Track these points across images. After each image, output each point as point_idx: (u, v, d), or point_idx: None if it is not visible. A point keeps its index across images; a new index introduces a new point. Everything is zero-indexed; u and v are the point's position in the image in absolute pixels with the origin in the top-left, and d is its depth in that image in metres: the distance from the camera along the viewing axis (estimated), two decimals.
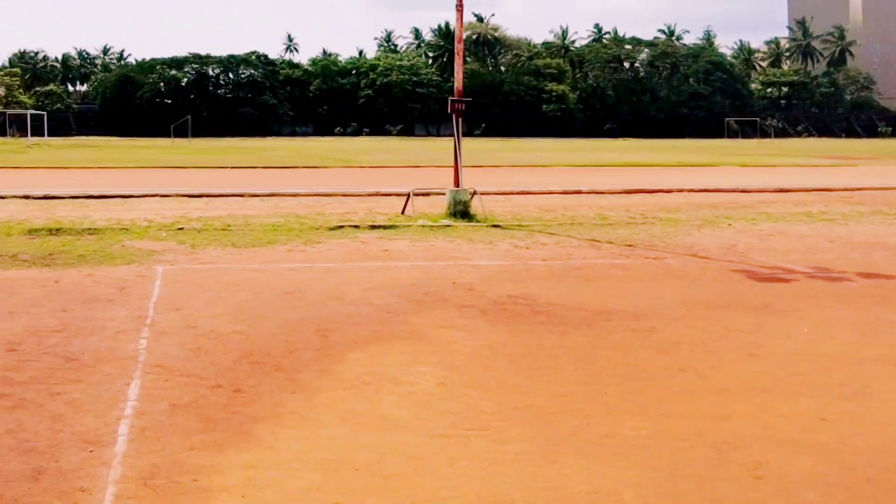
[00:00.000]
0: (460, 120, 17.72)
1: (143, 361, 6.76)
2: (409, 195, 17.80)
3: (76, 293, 9.45)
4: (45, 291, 9.56)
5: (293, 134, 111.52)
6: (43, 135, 77.25)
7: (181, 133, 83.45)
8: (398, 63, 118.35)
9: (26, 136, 73.93)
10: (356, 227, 15.37)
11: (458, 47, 18.15)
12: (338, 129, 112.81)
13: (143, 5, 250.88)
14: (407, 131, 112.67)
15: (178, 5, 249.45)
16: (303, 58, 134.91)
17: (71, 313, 8.45)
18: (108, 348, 7.18)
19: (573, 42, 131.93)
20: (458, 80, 17.90)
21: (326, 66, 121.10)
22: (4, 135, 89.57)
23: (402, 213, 17.42)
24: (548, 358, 7.02)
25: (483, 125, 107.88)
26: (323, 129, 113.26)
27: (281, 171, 34.51)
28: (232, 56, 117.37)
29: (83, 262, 11.47)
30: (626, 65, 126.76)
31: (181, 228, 14.86)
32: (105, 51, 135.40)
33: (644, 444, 5.13)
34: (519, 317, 8.48)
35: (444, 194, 17.63)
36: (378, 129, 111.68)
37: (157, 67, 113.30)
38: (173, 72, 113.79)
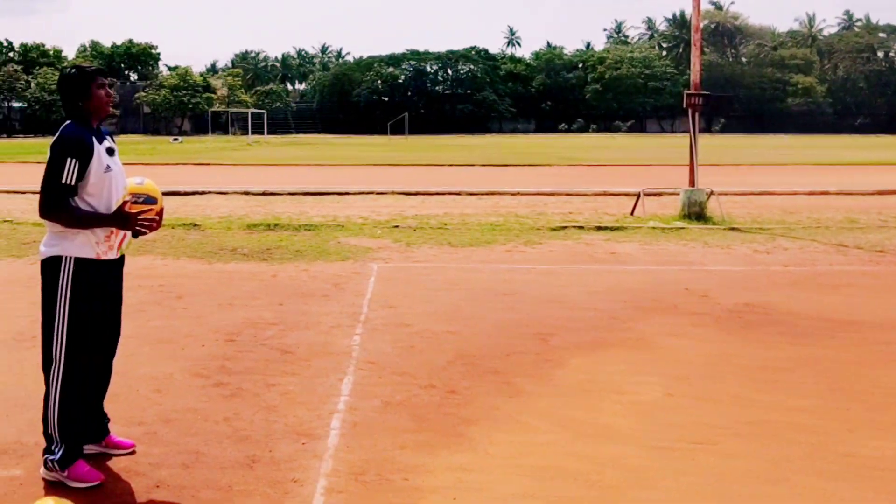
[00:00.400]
0: (696, 115, 17.35)
1: (357, 357, 7.07)
2: (639, 195, 17.58)
3: (292, 287, 10.02)
4: (263, 285, 10.20)
5: (514, 131, 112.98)
6: (262, 133, 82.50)
7: (398, 130, 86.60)
8: (629, 55, 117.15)
9: (247, 134, 79.22)
10: (580, 227, 15.36)
11: (695, 37, 17.77)
12: (562, 125, 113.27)
13: (362, 4, 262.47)
14: (638, 128, 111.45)
15: (396, 2, 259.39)
16: (525, 52, 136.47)
17: (287, 307, 8.97)
18: (322, 343, 7.55)
19: (821, 30, 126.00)
20: (694, 73, 17.54)
21: (550, 60, 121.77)
22: (227, 133, 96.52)
23: (632, 213, 17.23)
24: (785, 371, 6.77)
25: (722, 121, 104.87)
26: (546, 126, 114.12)
27: (500, 168, 35.02)
28: (451, 51, 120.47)
29: (299, 257, 12.14)
30: (880, 55, 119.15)
31: (396, 226, 15.41)
32: (324, 49, 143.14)
33: (888, 466, 4.88)
34: (755, 326, 8.20)
35: (677, 194, 17.32)
36: (606, 126, 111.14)
37: (375, 65, 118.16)
38: (391, 69, 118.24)
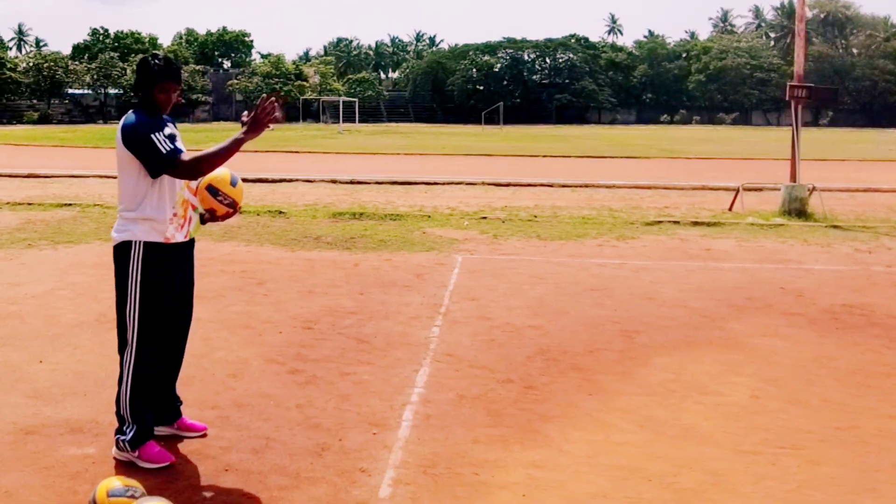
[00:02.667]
0: (800, 108, 16.95)
1: (434, 349, 7.10)
2: (737, 190, 17.26)
3: (374, 277, 10.12)
4: (345, 274, 10.32)
5: (614, 122, 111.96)
6: (354, 121, 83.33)
7: (493, 120, 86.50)
8: (734, 45, 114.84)
9: (338, 122, 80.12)
10: (676, 222, 15.16)
11: (800, 27, 17.37)
12: (664, 117, 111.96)
13: None
14: (743, 120, 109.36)
15: None
16: (627, 40, 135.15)
17: (367, 296, 9.06)
18: (400, 333, 7.61)
19: None
20: (798, 64, 17.15)
21: (653, 49, 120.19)
22: (318, 121, 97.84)
23: (730, 209, 16.93)
24: (881, 376, 6.58)
25: (830, 114, 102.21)
26: (647, 117, 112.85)
27: (597, 160, 34.75)
28: (549, 40, 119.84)
29: (383, 246, 12.25)
30: None
31: (484, 217, 15.42)
32: (418, 37, 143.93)
33: None
34: (852, 328, 8.00)
35: (778, 190, 16.94)
36: (709, 118, 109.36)
37: (470, 53, 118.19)
38: (486, 57, 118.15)
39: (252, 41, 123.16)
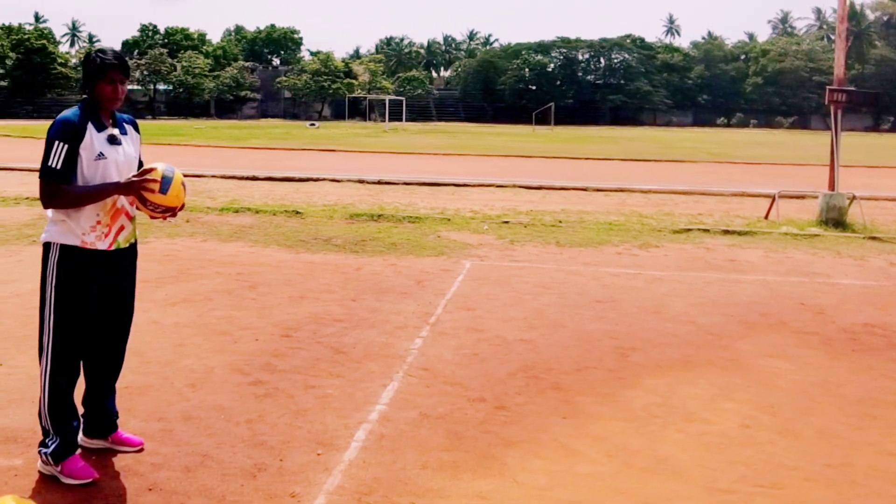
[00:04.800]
0: (839, 113, 16.45)
1: (410, 363, 6.81)
2: (774, 197, 16.73)
3: (372, 283, 9.85)
4: (343, 278, 10.06)
5: (669, 124, 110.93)
6: (401, 120, 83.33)
7: (544, 121, 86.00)
8: (793, 47, 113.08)
9: (385, 120, 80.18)
10: (706, 231, 14.70)
11: (840, 28, 16.87)
12: (720, 119, 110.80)
13: None
14: (801, 124, 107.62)
15: None
16: (684, 41, 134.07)
17: (359, 303, 8.79)
18: (381, 344, 7.33)
19: None
20: (838, 67, 16.66)
21: (710, 51, 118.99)
22: (366, 119, 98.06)
23: (766, 217, 16.42)
24: (890, 405, 6.11)
25: (892, 119, 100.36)
26: (703, 120, 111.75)
27: (640, 164, 34.16)
28: (604, 39, 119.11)
29: (392, 250, 11.97)
30: None
31: (506, 222, 15.08)
32: (471, 36, 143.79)
33: None
34: (870, 350, 7.52)
35: (818, 198, 16.40)
36: (767, 121, 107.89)
37: (523, 52, 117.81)
38: (539, 57, 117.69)
39: (301, 38, 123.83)
